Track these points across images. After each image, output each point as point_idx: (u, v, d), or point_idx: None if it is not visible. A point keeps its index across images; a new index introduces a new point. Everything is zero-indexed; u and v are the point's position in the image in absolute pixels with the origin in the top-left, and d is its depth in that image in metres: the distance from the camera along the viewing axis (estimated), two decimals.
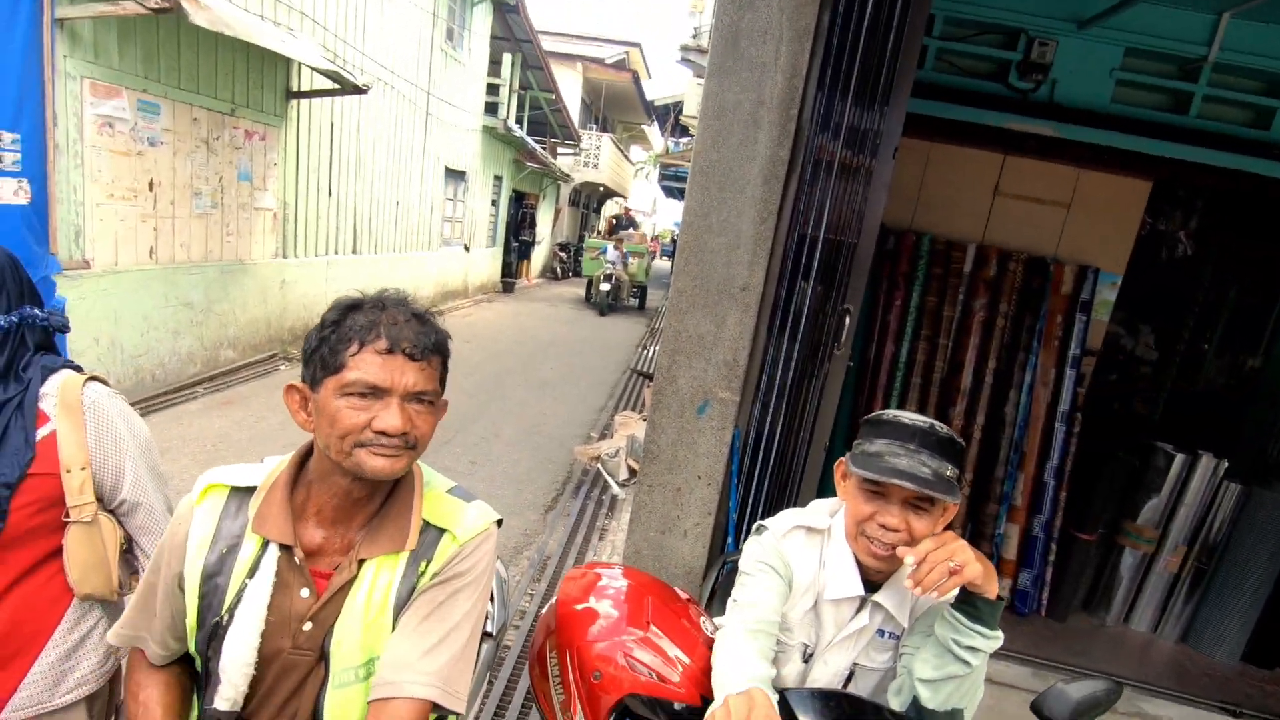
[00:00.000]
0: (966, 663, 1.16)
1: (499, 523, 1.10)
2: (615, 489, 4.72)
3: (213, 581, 0.97)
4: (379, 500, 1.02)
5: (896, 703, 1.26)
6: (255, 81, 6.18)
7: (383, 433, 0.92)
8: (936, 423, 1.28)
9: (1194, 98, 3.15)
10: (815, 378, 2.53)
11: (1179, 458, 3.36)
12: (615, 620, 1.19)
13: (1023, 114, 3.24)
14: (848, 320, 2.43)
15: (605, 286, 13.81)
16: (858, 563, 1.32)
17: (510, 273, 15.95)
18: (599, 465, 5.05)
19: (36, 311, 1.24)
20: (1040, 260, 3.42)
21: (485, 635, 1.52)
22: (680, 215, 2.30)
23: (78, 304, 4.60)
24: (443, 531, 1.02)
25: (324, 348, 0.94)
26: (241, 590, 0.96)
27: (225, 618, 0.96)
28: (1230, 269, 4.35)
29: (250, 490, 1.01)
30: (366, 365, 0.91)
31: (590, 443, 5.67)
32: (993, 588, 1.17)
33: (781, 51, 2.03)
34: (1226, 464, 3.33)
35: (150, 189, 5.16)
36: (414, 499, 1.02)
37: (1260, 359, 4.46)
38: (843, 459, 1.37)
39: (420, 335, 0.95)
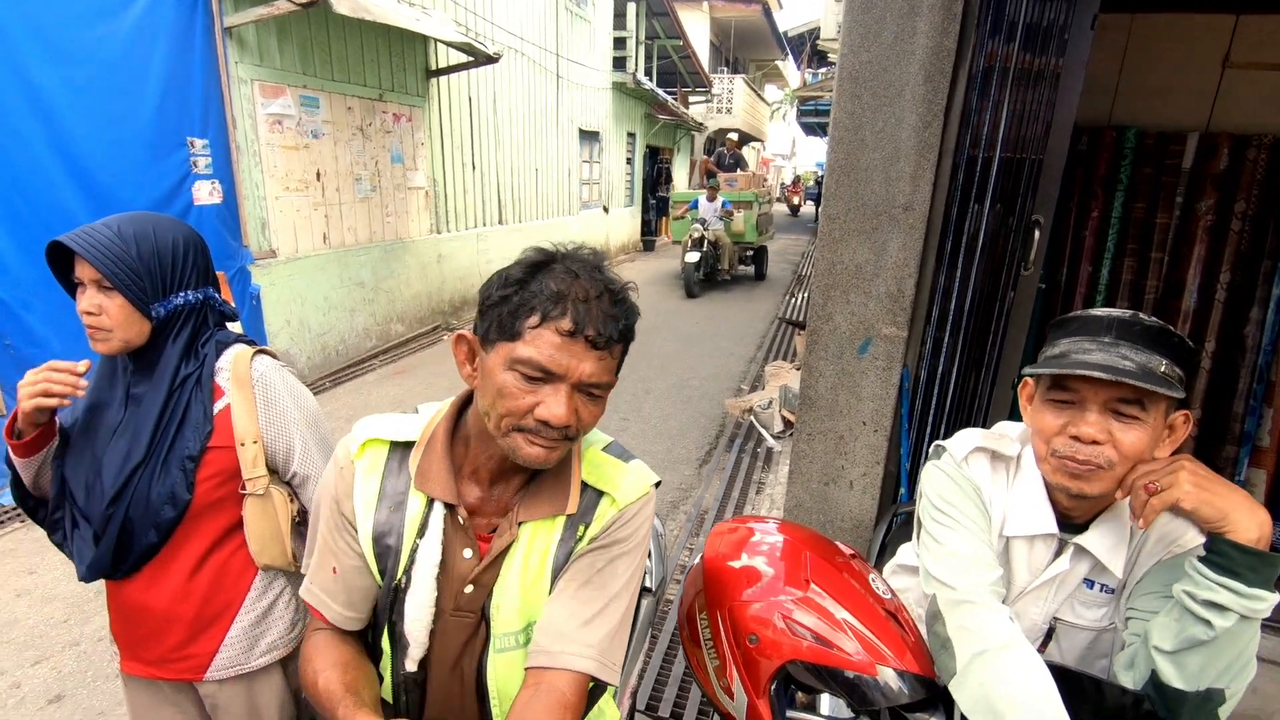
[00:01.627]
0: (1208, 623, 0.90)
1: (657, 484, 1.01)
2: (770, 441, 4.55)
3: (384, 542, 0.94)
4: None
5: (1128, 678, 1.02)
6: (398, 64, 6.47)
7: (545, 422, 0.83)
8: (1141, 313, 1.01)
9: None
10: (999, 305, 2.19)
11: None
12: (771, 579, 1.05)
13: None
14: (1037, 235, 2.07)
15: (693, 256, 9.49)
16: (1052, 497, 1.09)
17: (650, 231, 15.92)
18: (752, 418, 4.90)
19: (215, 294, 1.29)
20: None
21: (645, 591, 1.46)
22: (823, 155, 2.05)
23: (270, 290, 5.12)
24: (602, 494, 0.95)
25: (504, 307, 0.85)
26: (414, 551, 0.93)
27: (403, 580, 0.94)
28: None
29: (408, 445, 0.97)
30: (543, 344, 0.82)
31: (741, 395, 5.52)
32: (1247, 530, 0.89)
33: None
34: None
35: (318, 179, 5.59)
36: (574, 459, 0.96)
37: None
38: (1027, 379, 1.12)
39: (608, 320, 0.84)
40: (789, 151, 47.25)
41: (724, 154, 13.73)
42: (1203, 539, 0.96)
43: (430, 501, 0.94)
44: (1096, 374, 0.95)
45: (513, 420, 0.85)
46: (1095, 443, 0.99)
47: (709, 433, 4.78)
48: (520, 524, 0.93)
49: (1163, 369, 0.97)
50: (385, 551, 0.94)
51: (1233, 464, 2.85)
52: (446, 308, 7.71)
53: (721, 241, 10.17)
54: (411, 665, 0.96)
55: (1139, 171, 2.88)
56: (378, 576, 0.95)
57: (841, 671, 0.95)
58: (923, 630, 1.06)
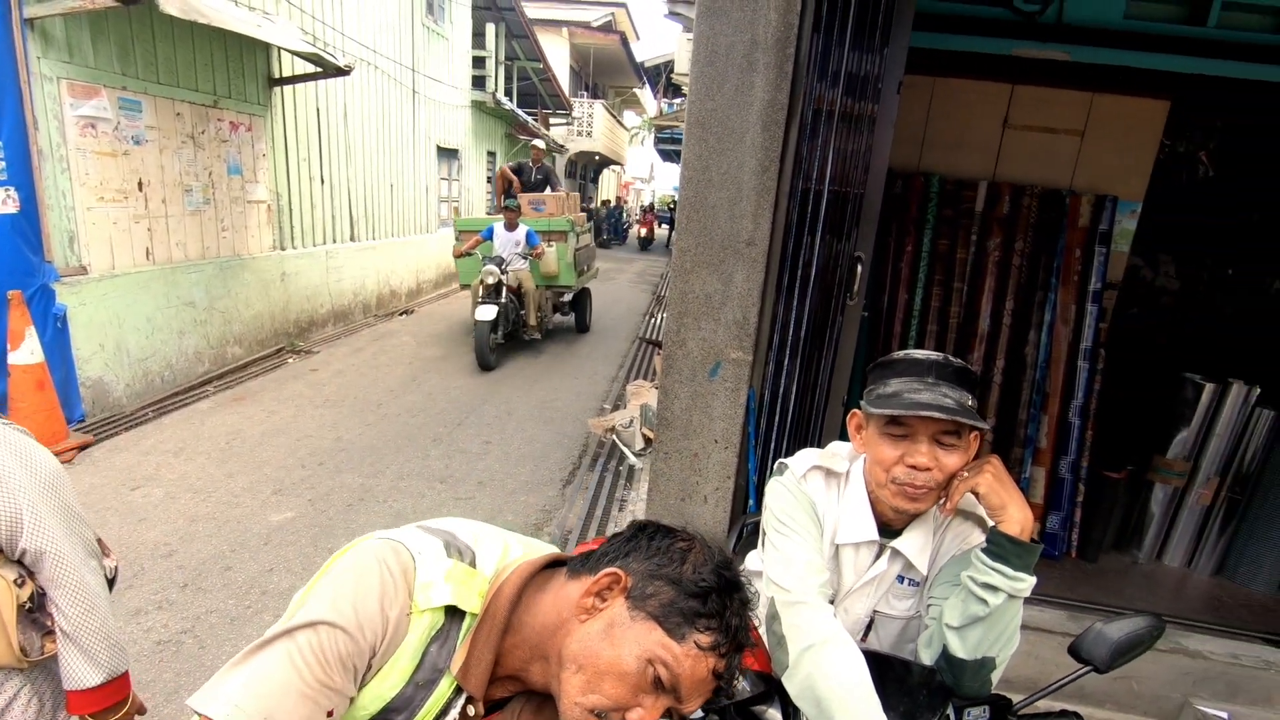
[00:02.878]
0: (984, 601, 1.10)
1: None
2: (632, 459, 4.69)
3: (390, 713, 0.80)
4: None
5: (927, 655, 1.20)
6: (236, 70, 6.04)
7: None
8: (949, 355, 1.22)
9: (1212, 6, 2.97)
10: (829, 331, 2.44)
11: (1208, 387, 3.26)
12: None
13: (1030, 39, 3.09)
14: (859, 269, 2.34)
15: (487, 312, 6.70)
16: (874, 509, 1.27)
17: None
18: (614, 436, 5.01)
19: None
20: (1055, 193, 3.29)
21: None
22: (679, 176, 2.21)
23: (79, 310, 4.56)
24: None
25: (679, 599, 0.79)
26: None
27: None
28: (1253, 189, 4.19)
29: (459, 616, 0.83)
30: (679, 660, 0.77)
31: (604, 414, 5.63)
32: (1014, 524, 1.10)
33: None
34: (1259, 390, 3.23)
35: (140, 189, 5.08)
36: None
37: None
38: (856, 410, 1.30)
39: (735, 664, 0.81)
40: (648, 175, 48.77)
41: (528, 166, 9.04)
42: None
43: (459, 691, 0.82)
44: (934, 414, 1.11)
45: (593, 704, 0.78)
46: (927, 469, 1.16)
47: (572, 453, 4.83)
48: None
49: (969, 402, 1.17)
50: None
51: (1019, 463, 3.33)
52: (291, 329, 7.22)
53: (526, 288, 7.30)
54: None
55: (942, 213, 3.32)
56: None
57: None
58: (763, 631, 1.19)
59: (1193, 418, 3.31)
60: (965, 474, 1.15)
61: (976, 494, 1.15)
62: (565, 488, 4.28)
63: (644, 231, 22.63)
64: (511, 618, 0.84)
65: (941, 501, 1.22)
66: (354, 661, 0.75)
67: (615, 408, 5.83)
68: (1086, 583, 3.21)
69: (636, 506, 3.93)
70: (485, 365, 6.68)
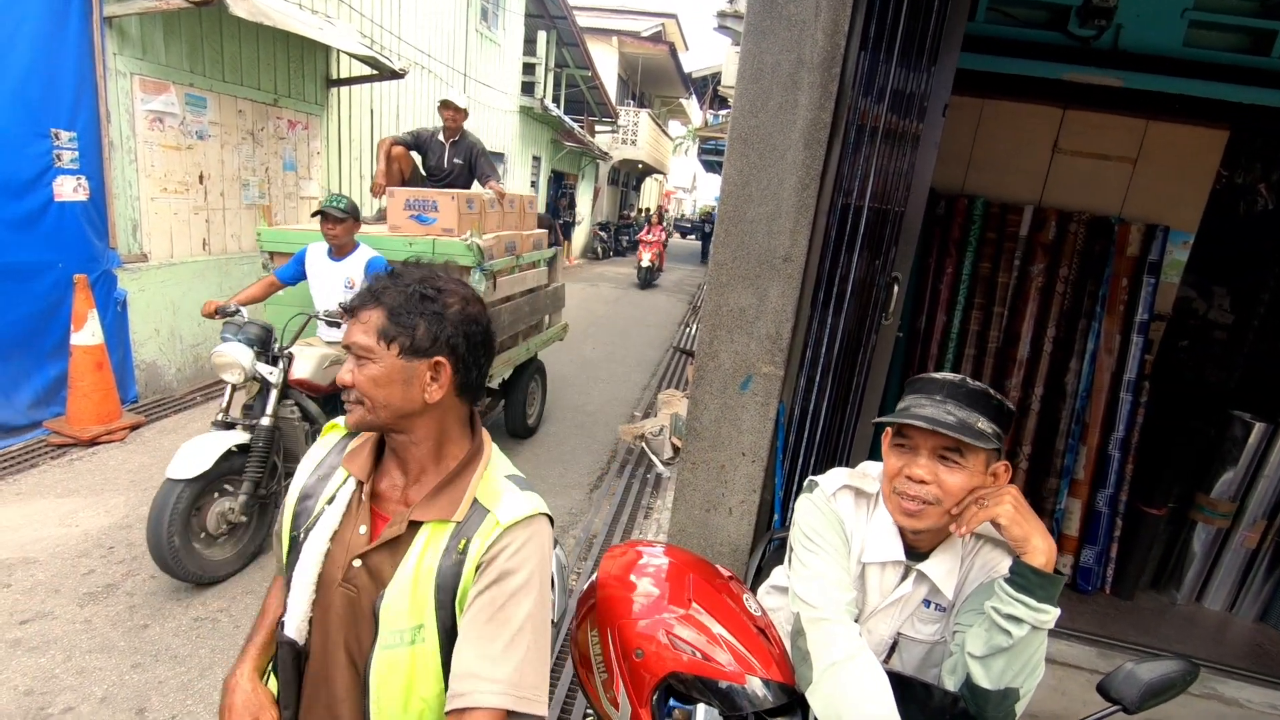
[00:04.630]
0: (1008, 633, 1.09)
1: (551, 520, 1.08)
2: (660, 467, 4.70)
3: (304, 503, 1.08)
4: (446, 469, 1.06)
5: (951, 682, 1.20)
6: (296, 71, 6.26)
7: (344, 386, 1.01)
8: (970, 379, 1.23)
9: (1277, 36, 2.89)
10: (863, 350, 2.44)
11: (1258, 426, 3.15)
12: (656, 598, 1.16)
13: (1084, 64, 3.04)
14: (896, 289, 2.33)
15: (188, 466, 2.72)
16: (901, 530, 1.28)
17: None
18: (643, 444, 5.04)
19: None
20: (1104, 220, 3.22)
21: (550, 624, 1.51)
22: (719, 189, 2.24)
23: (138, 296, 4.77)
24: (487, 512, 1.03)
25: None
26: (320, 514, 1.05)
27: (303, 535, 1.05)
28: None
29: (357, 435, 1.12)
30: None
31: (634, 421, 5.66)
32: (1038, 555, 1.10)
33: (822, 7, 1.93)
34: None
35: (201, 182, 5.29)
36: (473, 476, 1.05)
37: None
38: (888, 428, 1.32)
39: (362, 295, 1.01)
40: (690, 185, 48.85)
41: (434, 139, 5.04)
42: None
43: (348, 478, 1.07)
44: (919, 424, 1.14)
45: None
46: (923, 482, 1.17)
47: (601, 458, 4.87)
48: (416, 524, 1.01)
49: (979, 424, 1.16)
50: (302, 511, 1.07)
51: (1054, 495, 3.27)
52: None
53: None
54: (291, 631, 1.04)
55: (985, 235, 3.29)
56: (287, 531, 1.08)
57: (716, 682, 1.06)
58: (788, 645, 1.20)
59: (1240, 457, 3.20)
60: (985, 502, 1.15)
61: (997, 525, 1.14)
62: (593, 492, 4.32)
63: (647, 258, 13.97)
64: (384, 422, 1.03)
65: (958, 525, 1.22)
66: None
67: (646, 415, 5.86)
68: (1120, 620, 3.12)
69: (663, 515, 3.95)
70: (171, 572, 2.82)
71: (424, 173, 5.05)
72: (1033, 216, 3.26)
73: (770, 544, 2.06)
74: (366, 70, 6.68)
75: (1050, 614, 1.09)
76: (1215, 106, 3.00)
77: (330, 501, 1.05)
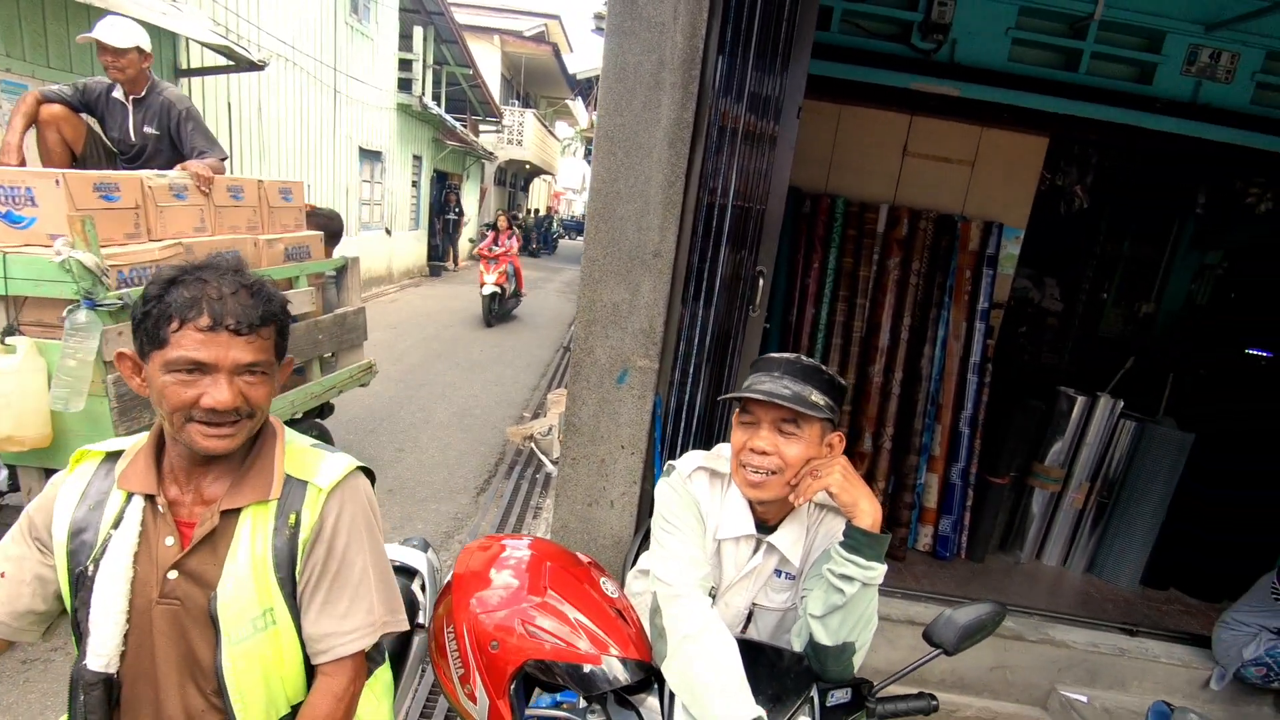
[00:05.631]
0: (841, 591, 1.18)
1: (368, 472, 1.11)
2: (549, 467, 4.69)
3: (80, 537, 0.98)
4: (241, 455, 1.02)
5: (798, 644, 1.29)
6: None
7: (212, 409, 0.92)
8: (804, 356, 1.33)
9: (1083, 54, 3.27)
10: (733, 340, 2.54)
11: (1080, 400, 3.55)
12: (514, 589, 1.17)
13: (926, 74, 3.31)
14: (761, 282, 2.44)
15: None
16: (751, 505, 1.35)
17: (437, 256, 15.51)
18: (532, 444, 5.00)
19: None
20: (949, 218, 3.52)
21: (418, 627, 1.48)
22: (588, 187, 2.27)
23: None
24: (305, 483, 1.03)
25: (147, 322, 0.93)
26: (107, 541, 0.97)
27: (90, 567, 0.97)
28: (1123, 221, 4.61)
29: (119, 455, 1.04)
30: (189, 343, 0.91)
31: (523, 423, 5.60)
32: (865, 517, 1.19)
33: (680, 10, 1.99)
34: (1122, 404, 3.54)
35: None
36: (276, 451, 1.04)
37: (1153, 305, 4.76)
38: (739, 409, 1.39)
39: (247, 309, 0.94)
40: (580, 186, 48.85)
41: (106, 95, 3.25)
42: None
43: (130, 498, 1.00)
44: (758, 397, 1.22)
45: (182, 414, 0.94)
46: (765, 453, 1.24)
47: (489, 460, 4.79)
48: (229, 513, 0.99)
49: (812, 396, 1.25)
50: (80, 547, 0.98)
51: (915, 471, 3.54)
52: None
53: None
54: (96, 662, 0.96)
55: (847, 233, 3.51)
56: (65, 569, 0.98)
57: (572, 665, 1.08)
58: (645, 623, 1.24)
59: (1067, 428, 3.59)
60: (818, 473, 1.24)
61: (830, 493, 1.23)
62: (479, 495, 4.24)
63: (491, 282, 9.76)
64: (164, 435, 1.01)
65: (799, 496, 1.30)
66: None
67: (535, 416, 5.81)
68: (974, 581, 3.42)
69: (552, 514, 3.93)
70: None
71: (113, 149, 3.39)
72: (888, 215, 3.51)
73: (648, 532, 2.11)
74: (222, 60, 6.22)
75: (878, 570, 1.19)
76: (1037, 116, 3.35)
77: (116, 526, 0.98)
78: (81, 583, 0.97)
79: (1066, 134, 3.58)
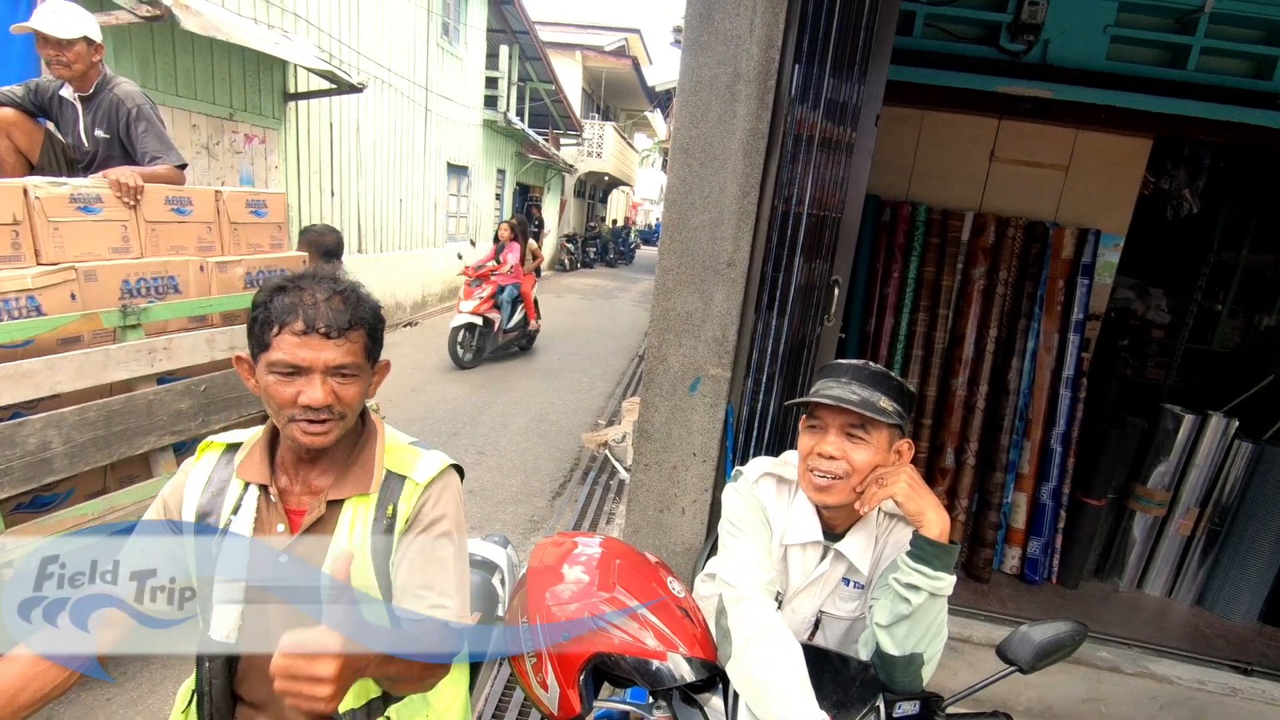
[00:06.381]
0: (908, 600, 1.17)
1: (459, 469, 1.19)
2: (622, 473, 4.74)
3: (205, 520, 1.09)
4: (345, 450, 1.12)
5: (865, 653, 1.28)
6: (252, 85, 6.22)
7: (307, 407, 1.00)
8: (872, 362, 1.32)
9: (1191, 50, 3.07)
10: (807, 350, 2.52)
11: (1188, 419, 3.31)
12: (585, 585, 1.22)
13: (1016, 77, 3.19)
14: (836, 292, 2.42)
15: None
16: (819, 512, 1.34)
17: None
18: (606, 451, 5.08)
19: None
20: (1039, 225, 3.37)
21: (496, 619, 1.56)
22: (664, 197, 2.31)
23: None
24: (404, 478, 1.11)
25: (255, 327, 1.03)
26: (227, 525, 1.08)
27: (214, 548, 1.08)
28: (1239, 226, 4.28)
29: (239, 446, 1.14)
30: (286, 346, 1.00)
31: (598, 429, 5.70)
32: (933, 527, 1.17)
33: (756, 23, 2.01)
34: (1237, 423, 3.28)
35: None
36: (376, 450, 1.13)
37: (1275, 317, 4.39)
38: (805, 415, 1.39)
39: (337, 314, 1.02)
40: (657, 197, 49.24)
41: (56, 94, 2.86)
42: None
43: (248, 487, 1.10)
44: (827, 401, 1.22)
45: (286, 411, 1.02)
46: (832, 458, 1.24)
47: (564, 466, 4.90)
48: (334, 503, 1.09)
49: (881, 402, 1.24)
50: (206, 530, 1.09)
51: (1001, 489, 3.38)
52: None
53: None
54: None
55: (929, 241, 3.41)
56: (194, 549, 1.09)
57: (639, 659, 1.11)
58: (711, 624, 1.26)
59: (1173, 448, 3.36)
60: (884, 481, 1.22)
61: (896, 501, 1.22)
62: (555, 499, 4.34)
63: (465, 309, 7.15)
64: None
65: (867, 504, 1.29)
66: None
67: (610, 423, 5.90)
68: (1066, 609, 3.24)
69: (624, 519, 3.99)
70: None
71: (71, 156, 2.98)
72: (973, 222, 3.40)
73: (717, 540, 2.12)
74: (325, 84, 6.67)
75: (946, 581, 1.17)
76: (1139, 116, 3.17)
77: (235, 512, 1.09)
78: (206, 561, 1.08)
79: (1172, 135, 3.36)
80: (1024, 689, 2.52)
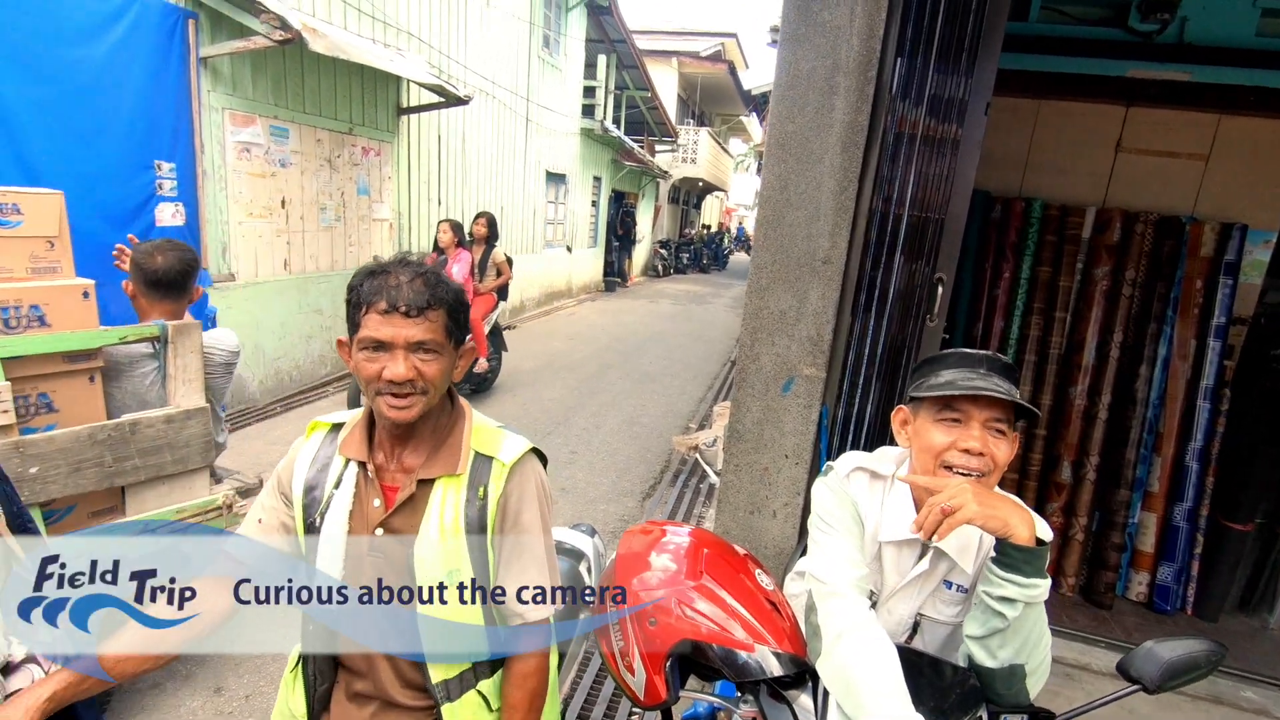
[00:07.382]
0: (1002, 615, 1.08)
1: (541, 455, 1.24)
2: (713, 477, 4.71)
3: (311, 494, 1.18)
4: (435, 430, 1.18)
5: (963, 659, 1.20)
6: (369, 101, 6.65)
7: (391, 381, 1.07)
8: (998, 353, 1.26)
9: None
10: (907, 351, 2.42)
11: None
12: (673, 572, 1.22)
13: (1148, 59, 2.95)
14: (940, 290, 2.31)
15: None
16: (917, 508, 1.28)
17: (613, 272, 16.22)
18: (697, 455, 5.06)
19: None
20: (1174, 220, 3.09)
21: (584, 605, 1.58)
22: (758, 193, 2.28)
23: (226, 313, 5.14)
24: (490, 459, 1.17)
25: (349, 309, 1.12)
26: (330, 498, 1.16)
27: (318, 520, 1.16)
28: None
29: (342, 425, 1.24)
30: (372, 324, 1.08)
31: (689, 433, 5.68)
32: (1020, 532, 1.07)
33: (856, 13, 1.96)
34: None
35: (282, 206, 5.68)
36: (465, 432, 1.20)
37: None
38: (901, 406, 1.33)
39: (418, 294, 1.08)
40: (752, 203, 48.70)
41: None
42: None
43: (348, 463, 1.18)
44: (995, 393, 1.15)
45: (373, 386, 1.09)
46: (980, 454, 1.18)
47: (654, 468, 4.92)
48: (424, 482, 1.15)
49: (1019, 396, 1.18)
50: (311, 502, 1.17)
51: (1126, 507, 3.11)
52: None
53: None
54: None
55: (1044, 239, 3.20)
56: (301, 522, 1.18)
57: (726, 649, 1.10)
58: (801, 620, 1.23)
59: None
60: (948, 508, 1.09)
61: (976, 525, 1.10)
62: (645, 500, 4.37)
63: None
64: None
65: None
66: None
67: (701, 427, 5.87)
68: None
69: (713, 521, 3.96)
70: None
71: None
72: (1095, 217, 3.16)
73: (807, 542, 2.06)
74: (434, 98, 7.03)
75: (1041, 586, 1.08)
76: None
77: (337, 486, 1.17)
78: (312, 532, 1.16)
79: None
80: (1152, 710, 2.30)
